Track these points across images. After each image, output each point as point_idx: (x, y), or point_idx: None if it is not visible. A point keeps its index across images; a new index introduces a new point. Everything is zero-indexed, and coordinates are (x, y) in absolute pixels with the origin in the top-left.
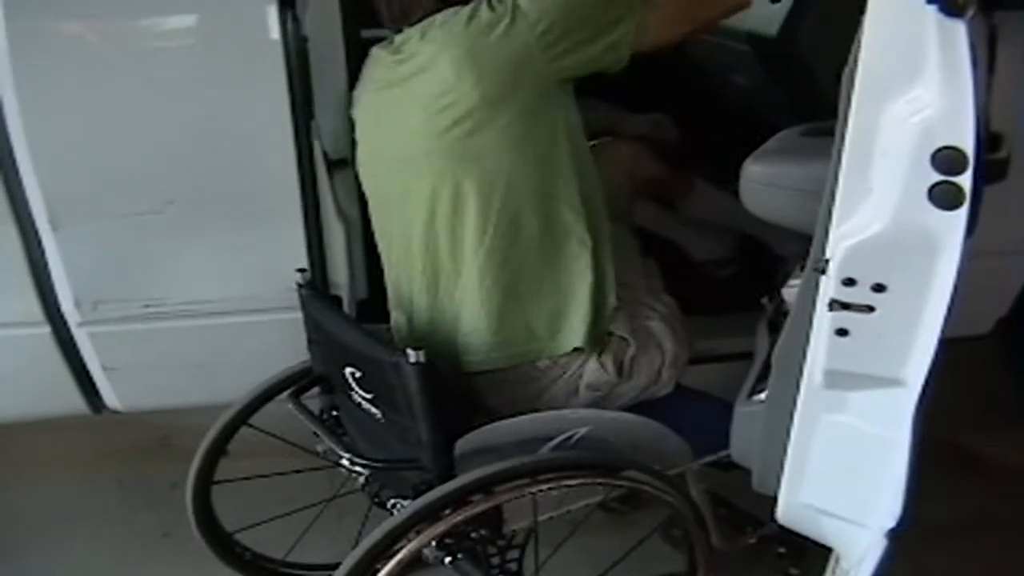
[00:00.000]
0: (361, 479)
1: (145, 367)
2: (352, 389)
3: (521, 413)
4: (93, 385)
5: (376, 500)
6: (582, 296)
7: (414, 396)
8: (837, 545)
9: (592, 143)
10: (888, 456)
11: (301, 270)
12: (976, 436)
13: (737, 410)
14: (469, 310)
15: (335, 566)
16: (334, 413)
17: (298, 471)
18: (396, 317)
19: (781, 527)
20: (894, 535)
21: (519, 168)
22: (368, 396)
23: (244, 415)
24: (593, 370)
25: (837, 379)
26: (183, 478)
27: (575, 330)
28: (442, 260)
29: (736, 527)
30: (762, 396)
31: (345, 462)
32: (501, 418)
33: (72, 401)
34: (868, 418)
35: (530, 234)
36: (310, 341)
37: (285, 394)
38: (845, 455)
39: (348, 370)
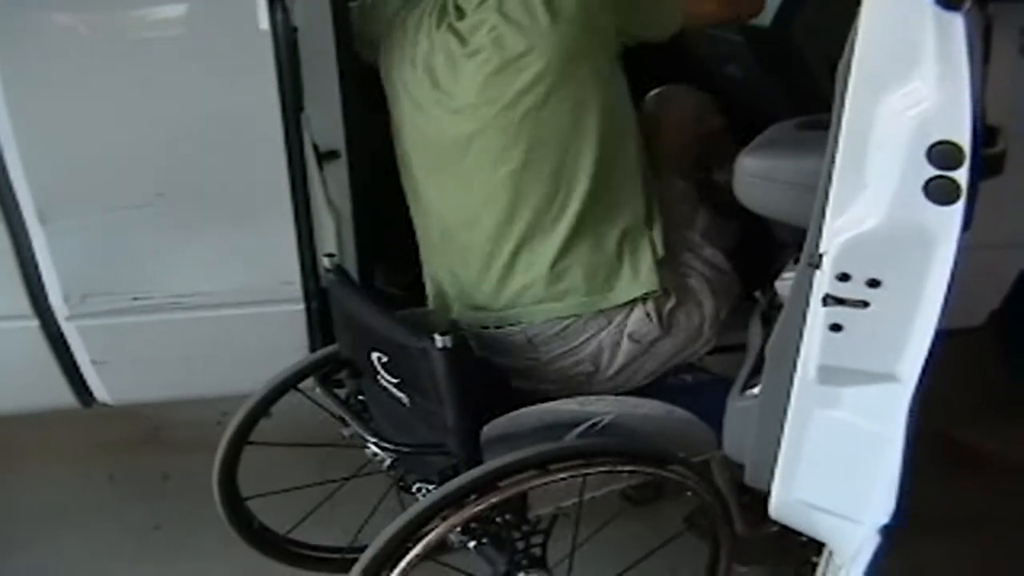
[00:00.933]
0: (387, 462)
1: (134, 360)
2: (378, 374)
3: (561, 373)
4: (82, 379)
5: (401, 484)
6: (643, 246)
7: (441, 381)
8: (830, 541)
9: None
10: (882, 452)
11: (329, 255)
12: (971, 430)
13: (730, 404)
14: (527, 262)
15: (338, 549)
16: (360, 398)
17: (324, 445)
18: (439, 272)
19: None
20: (888, 531)
21: (584, 133)
22: (394, 381)
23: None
24: (638, 319)
25: (831, 375)
26: (173, 470)
27: (643, 277)
28: (501, 213)
29: (760, 514)
30: (755, 391)
31: (372, 447)
32: (535, 397)
33: (61, 395)
34: (862, 413)
35: (593, 190)
36: (337, 326)
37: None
38: (839, 451)
39: (374, 355)
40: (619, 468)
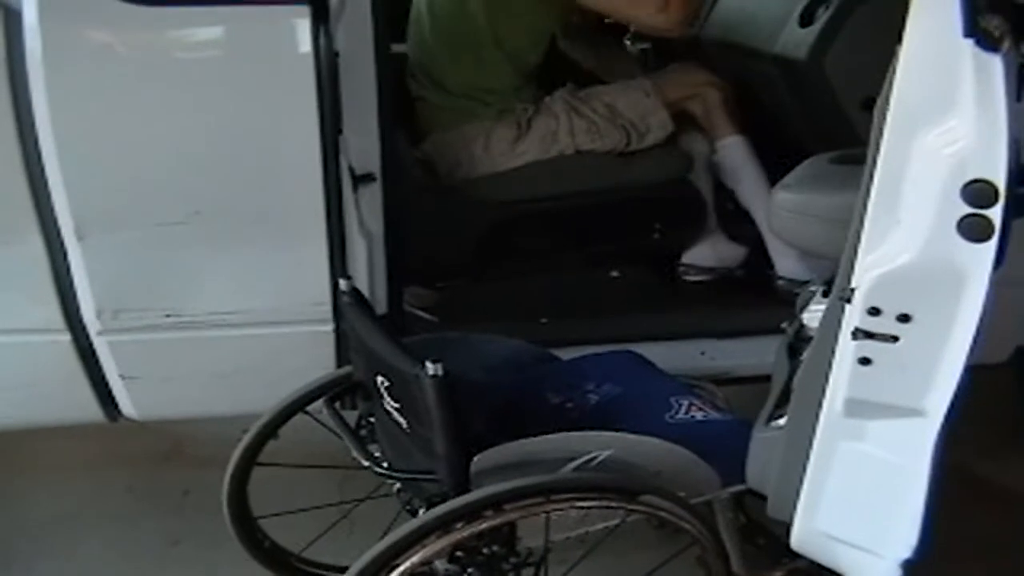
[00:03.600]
0: (397, 485)
1: (163, 377)
2: (384, 398)
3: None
4: (110, 393)
5: (408, 508)
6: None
7: (432, 408)
8: (851, 574)
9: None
10: (907, 486)
11: (347, 276)
12: (985, 462)
13: (755, 435)
14: None
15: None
16: (371, 420)
17: (334, 467)
18: None
19: (814, 564)
20: (909, 565)
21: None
22: (396, 406)
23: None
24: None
25: (858, 408)
26: (194, 485)
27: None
28: None
29: (773, 558)
30: (781, 422)
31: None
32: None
33: (89, 409)
34: (887, 447)
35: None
36: (350, 348)
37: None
38: (863, 483)
39: (379, 379)
40: (580, 503)
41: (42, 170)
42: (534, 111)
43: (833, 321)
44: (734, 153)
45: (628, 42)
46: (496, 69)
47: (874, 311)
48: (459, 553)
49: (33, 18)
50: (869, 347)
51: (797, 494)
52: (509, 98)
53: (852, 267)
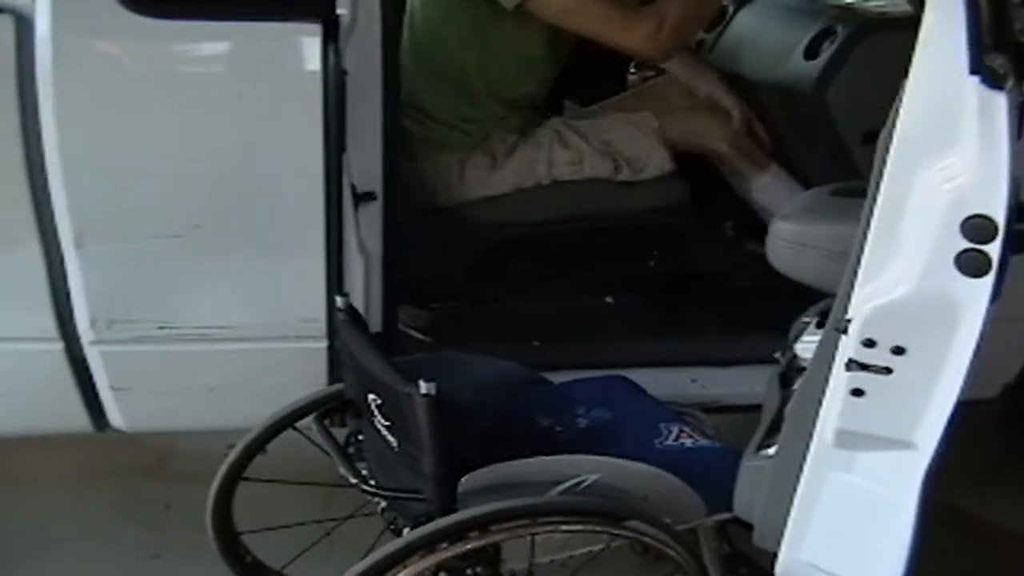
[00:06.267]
0: (382, 504)
1: (154, 389)
2: (374, 416)
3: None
4: (99, 404)
5: (392, 527)
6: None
7: (423, 427)
8: None
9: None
10: (894, 518)
11: (343, 294)
12: (969, 498)
13: (744, 464)
14: None
15: None
16: (359, 438)
17: (320, 484)
18: None
19: None
20: None
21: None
22: (387, 424)
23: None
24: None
25: (848, 439)
26: (176, 500)
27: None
28: None
29: None
30: (770, 451)
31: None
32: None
33: (77, 419)
34: (876, 479)
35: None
36: (343, 365)
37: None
38: (850, 515)
39: (370, 397)
40: (566, 527)
41: (45, 177)
42: (518, 140)
43: (827, 352)
44: (767, 194)
45: (633, 70)
46: (479, 100)
47: (869, 343)
48: (442, 574)
49: (45, 28)
50: (862, 379)
51: (784, 523)
52: (491, 127)
53: (849, 298)
